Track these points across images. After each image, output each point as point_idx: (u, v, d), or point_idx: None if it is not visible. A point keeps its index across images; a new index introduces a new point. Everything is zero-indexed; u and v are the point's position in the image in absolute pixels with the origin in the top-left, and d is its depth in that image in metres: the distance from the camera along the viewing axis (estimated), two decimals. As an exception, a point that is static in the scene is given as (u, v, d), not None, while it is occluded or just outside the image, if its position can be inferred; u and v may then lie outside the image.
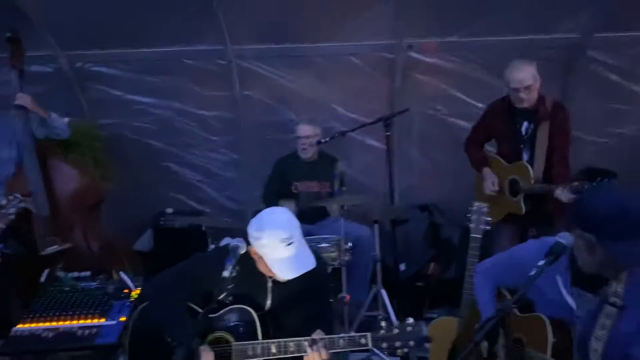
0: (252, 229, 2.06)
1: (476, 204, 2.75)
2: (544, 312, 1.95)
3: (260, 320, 2.12)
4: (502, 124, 3.37)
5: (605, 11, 3.65)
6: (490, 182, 3.38)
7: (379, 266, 3.65)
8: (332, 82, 4.23)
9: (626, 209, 1.65)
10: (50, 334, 2.40)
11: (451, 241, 4.36)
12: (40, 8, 3.68)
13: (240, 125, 4.45)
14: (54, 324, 2.45)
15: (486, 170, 3.44)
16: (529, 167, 3.22)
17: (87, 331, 2.41)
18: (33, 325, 2.45)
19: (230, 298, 1.99)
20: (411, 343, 1.97)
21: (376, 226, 3.64)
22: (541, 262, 1.77)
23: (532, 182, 3.17)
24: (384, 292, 3.65)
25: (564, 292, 1.93)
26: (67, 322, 2.46)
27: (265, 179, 4.06)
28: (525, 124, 3.28)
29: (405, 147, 4.50)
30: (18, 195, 2.35)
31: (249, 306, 2.15)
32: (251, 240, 2.06)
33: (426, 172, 4.53)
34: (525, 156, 3.27)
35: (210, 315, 2.09)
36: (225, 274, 1.86)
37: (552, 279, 1.95)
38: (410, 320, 1.99)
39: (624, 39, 3.88)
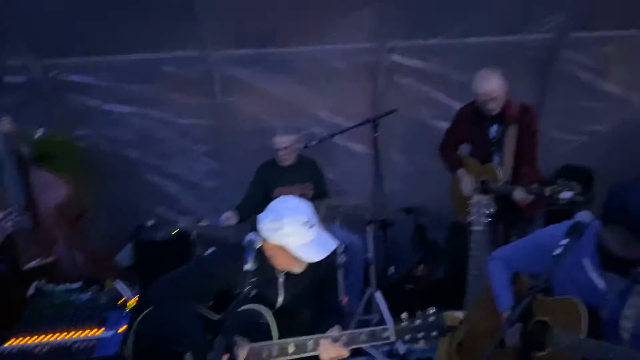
0: (268, 221, 2.01)
1: (476, 196, 2.81)
2: (572, 294, 1.95)
3: (273, 319, 2.06)
4: (471, 128, 3.49)
5: (577, 11, 3.79)
6: (469, 182, 3.48)
7: (372, 268, 3.63)
8: (315, 87, 4.22)
9: None
10: (44, 349, 2.26)
11: (438, 242, 4.41)
12: (11, 14, 3.54)
13: (221, 133, 4.37)
14: (46, 339, 2.30)
15: (461, 171, 3.55)
16: (498, 168, 3.32)
17: (83, 344, 2.28)
18: (23, 341, 2.29)
19: (254, 292, 1.92)
20: (434, 333, 1.93)
21: (369, 227, 3.63)
22: (565, 241, 1.79)
23: (500, 183, 3.27)
24: (379, 295, 3.63)
25: (592, 274, 1.93)
26: (61, 336, 2.32)
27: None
28: (494, 127, 3.40)
29: (388, 151, 4.50)
30: (14, 209, 2.23)
31: (262, 304, 2.08)
32: (268, 233, 2.00)
33: (410, 176, 4.55)
34: (495, 158, 3.39)
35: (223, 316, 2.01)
36: (248, 266, 1.80)
37: (578, 262, 1.96)
38: (433, 310, 1.96)
39: (595, 38, 4.03)
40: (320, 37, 3.98)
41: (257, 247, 1.93)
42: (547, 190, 2.90)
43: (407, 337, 1.93)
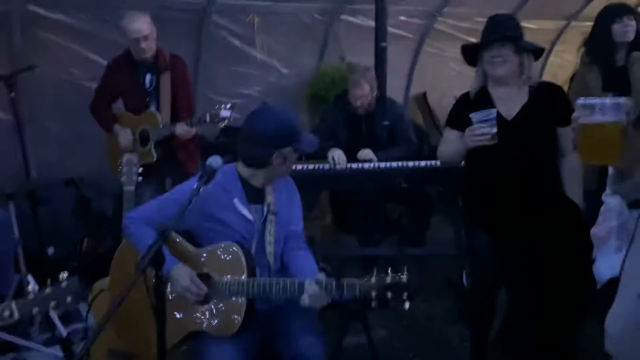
0: None
1: (126, 156, 2.70)
2: (226, 239, 2.04)
3: None
4: (125, 79, 3.39)
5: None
6: (124, 135, 3.36)
7: (20, 250, 3.17)
8: None
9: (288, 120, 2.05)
10: None
11: (105, 213, 4.16)
12: None
13: None
14: None
15: (117, 127, 3.41)
16: (157, 113, 3.33)
17: None
18: None
19: None
20: (68, 299, 1.76)
21: (12, 203, 3.13)
22: (195, 185, 1.85)
23: (160, 127, 3.30)
24: (30, 278, 3.20)
25: (244, 211, 2.08)
26: None
27: None
28: (148, 76, 3.38)
29: (40, 117, 3.98)
30: None
31: None
32: None
33: (68, 144, 4.11)
34: (152, 107, 3.38)
35: None
36: None
37: (230, 204, 2.08)
38: (64, 275, 1.78)
39: (242, 7, 4.34)
40: None
41: None
42: (207, 116, 3.05)
43: (35, 310, 1.71)
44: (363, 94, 3.64)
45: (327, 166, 3.55)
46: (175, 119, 3.33)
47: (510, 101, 2.32)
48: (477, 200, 2.44)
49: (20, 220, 3.22)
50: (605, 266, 2.22)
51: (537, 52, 2.36)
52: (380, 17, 4.04)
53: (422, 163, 3.50)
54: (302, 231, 2.20)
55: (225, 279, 1.99)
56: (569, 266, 2.26)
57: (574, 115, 1.65)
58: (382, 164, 3.56)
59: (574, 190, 2.32)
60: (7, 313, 1.70)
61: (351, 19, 4.84)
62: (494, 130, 2.19)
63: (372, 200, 3.84)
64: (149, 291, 1.67)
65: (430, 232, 4.02)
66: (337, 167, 3.49)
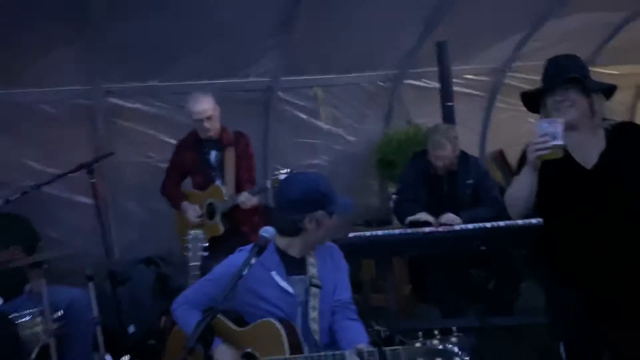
0: None
1: (191, 232, 2.75)
2: (269, 316, 1.97)
3: None
4: (192, 157, 3.54)
5: (286, 58, 4.17)
6: (192, 210, 3.47)
7: (99, 329, 3.24)
8: (22, 134, 3.72)
9: (316, 184, 1.97)
10: None
11: (182, 290, 4.19)
12: None
13: None
14: None
15: (185, 205, 3.53)
16: (221, 186, 3.42)
17: None
18: None
19: None
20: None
21: (91, 284, 3.23)
22: (245, 259, 1.79)
23: (226, 199, 3.37)
24: (109, 357, 3.24)
25: (283, 284, 2.01)
26: None
27: None
28: (213, 152, 3.51)
29: (121, 200, 4.22)
30: None
31: None
32: None
33: (146, 224, 4.29)
34: (217, 181, 3.49)
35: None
36: None
37: (268, 278, 2.02)
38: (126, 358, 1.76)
39: (306, 82, 4.47)
40: (24, 79, 3.56)
41: None
42: (267, 183, 3.06)
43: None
44: (445, 154, 3.51)
45: (397, 231, 3.40)
46: (238, 190, 3.40)
47: (586, 148, 2.07)
48: (562, 258, 2.16)
49: (101, 300, 3.31)
50: None
51: (608, 91, 2.10)
52: (444, 78, 3.99)
53: (502, 223, 3.24)
54: (350, 300, 2.10)
55: (268, 358, 1.90)
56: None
57: None
58: (458, 227, 3.35)
59: None
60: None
61: (415, 82, 4.82)
62: (559, 142, 1.91)
63: (453, 266, 3.60)
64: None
65: (520, 299, 3.67)
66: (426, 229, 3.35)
